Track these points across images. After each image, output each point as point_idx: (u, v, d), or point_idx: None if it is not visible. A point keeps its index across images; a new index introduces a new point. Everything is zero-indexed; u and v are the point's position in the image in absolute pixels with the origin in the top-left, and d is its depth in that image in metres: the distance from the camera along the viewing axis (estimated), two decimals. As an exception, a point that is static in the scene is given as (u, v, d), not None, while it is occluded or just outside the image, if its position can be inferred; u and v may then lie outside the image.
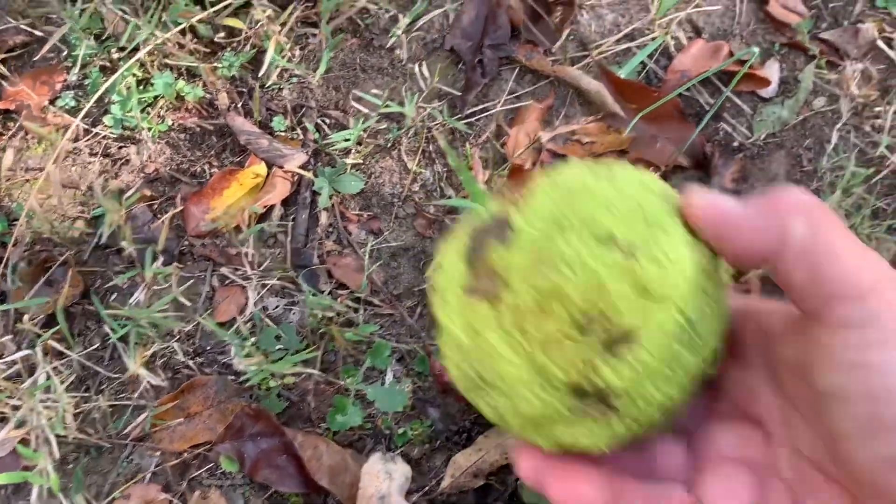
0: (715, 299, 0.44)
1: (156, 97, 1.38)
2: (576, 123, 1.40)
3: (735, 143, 1.41)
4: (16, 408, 1.08)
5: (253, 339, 1.18)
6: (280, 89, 1.41)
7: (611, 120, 1.40)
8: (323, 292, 1.26)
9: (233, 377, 1.21)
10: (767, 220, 0.42)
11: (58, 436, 1.05)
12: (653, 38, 1.45)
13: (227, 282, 1.28)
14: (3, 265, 1.21)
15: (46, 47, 1.34)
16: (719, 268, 0.46)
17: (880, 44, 1.47)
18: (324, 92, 1.42)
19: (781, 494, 0.45)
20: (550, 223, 0.43)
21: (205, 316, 1.21)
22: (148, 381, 1.12)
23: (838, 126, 1.42)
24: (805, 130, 1.43)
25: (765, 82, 1.44)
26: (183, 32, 1.38)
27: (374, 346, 1.23)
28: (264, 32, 1.38)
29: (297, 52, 1.43)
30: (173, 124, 1.38)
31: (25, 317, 1.16)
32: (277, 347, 1.21)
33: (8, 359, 1.12)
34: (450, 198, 1.35)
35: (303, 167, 1.34)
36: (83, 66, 1.41)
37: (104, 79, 1.39)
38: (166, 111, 1.39)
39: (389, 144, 1.38)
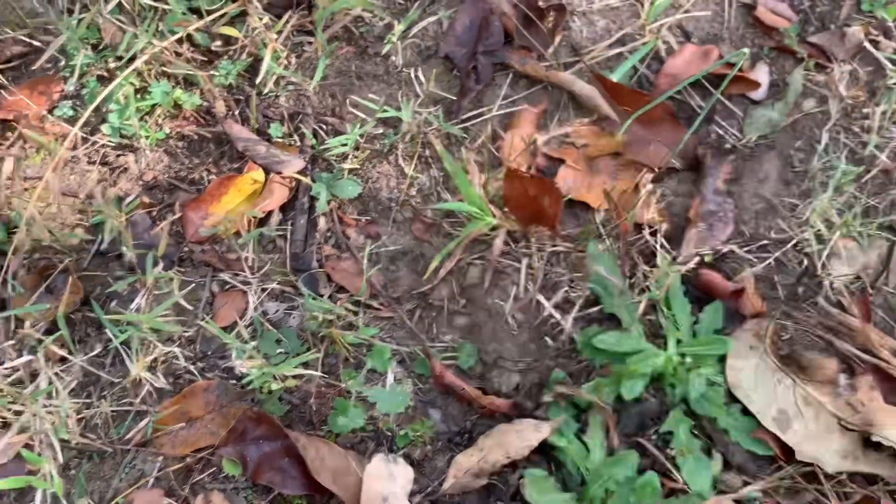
0: None
1: (153, 105, 1.39)
2: (570, 126, 1.42)
3: (727, 145, 1.43)
4: (18, 413, 1.09)
5: (254, 343, 1.19)
6: (277, 96, 1.42)
7: (604, 123, 1.42)
8: (322, 296, 1.27)
9: (234, 381, 1.22)
10: None
11: (61, 440, 1.05)
12: (644, 43, 1.47)
13: (227, 287, 1.28)
14: (3, 273, 1.22)
15: (44, 57, 1.35)
16: None
17: (867, 46, 1.49)
18: (320, 99, 1.43)
19: None
20: None
21: (207, 320, 1.21)
22: (150, 385, 1.12)
23: (828, 127, 1.44)
24: (795, 132, 1.45)
25: (754, 85, 1.46)
26: (180, 41, 1.39)
27: (375, 348, 1.23)
28: (261, 41, 1.40)
29: (294, 60, 1.44)
30: (171, 132, 1.39)
31: (27, 323, 1.16)
32: (278, 351, 1.22)
33: (9, 365, 1.12)
34: (447, 201, 1.36)
35: (300, 173, 1.35)
36: (81, 76, 1.42)
37: (102, 88, 1.40)
38: (164, 119, 1.40)
39: (386, 149, 1.39)
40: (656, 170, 1.38)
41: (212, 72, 1.42)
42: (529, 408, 1.21)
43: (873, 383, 1.21)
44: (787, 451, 1.17)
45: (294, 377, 1.17)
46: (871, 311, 1.28)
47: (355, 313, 1.26)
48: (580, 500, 1.14)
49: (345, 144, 1.36)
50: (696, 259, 1.30)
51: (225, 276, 1.28)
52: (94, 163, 1.38)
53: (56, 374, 1.13)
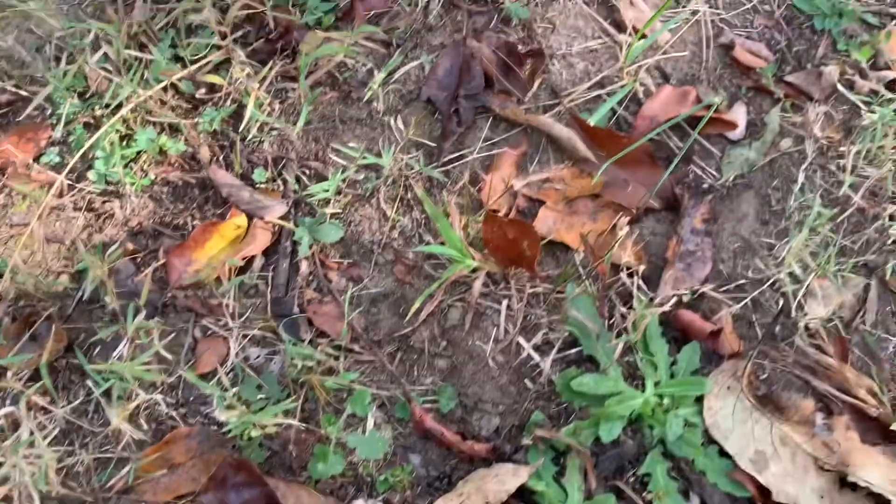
0: None
1: (138, 152, 1.42)
2: (549, 170, 1.44)
3: (705, 185, 1.45)
4: (-2, 464, 1.10)
5: (235, 390, 1.20)
6: (260, 142, 1.44)
7: (583, 165, 1.44)
8: (304, 341, 1.28)
9: (215, 427, 1.23)
10: None
11: (40, 492, 1.06)
12: (622, 86, 1.50)
13: (208, 332, 1.30)
14: (-13, 322, 1.23)
15: (31, 106, 1.38)
16: None
17: (840, 87, 1.52)
18: (303, 144, 1.45)
19: None
20: None
21: (187, 369, 1.23)
22: (131, 435, 1.14)
23: (804, 166, 1.46)
24: (773, 171, 1.47)
25: (731, 125, 1.48)
26: (165, 89, 1.42)
27: (355, 393, 1.25)
28: (244, 88, 1.42)
29: (277, 106, 1.47)
30: (156, 178, 1.42)
31: (9, 373, 1.18)
32: (259, 397, 1.23)
33: (-9, 416, 1.14)
34: (428, 244, 1.38)
35: (283, 218, 1.37)
36: (67, 123, 1.44)
37: (88, 135, 1.42)
38: (149, 165, 1.42)
39: (368, 193, 1.41)
40: (634, 211, 1.40)
41: (196, 119, 1.44)
42: (508, 451, 1.22)
43: (849, 423, 1.22)
44: (765, 493, 1.18)
45: (274, 424, 1.18)
46: (847, 351, 1.30)
47: (336, 358, 1.27)
48: (559, 545, 1.15)
49: (327, 190, 1.38)
50: (674, 300, 1.31)
51: (207, 321, 1.30)
52: (79, 209, 1.40)
53: (38, 423, 1.14)
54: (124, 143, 1.42)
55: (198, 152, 1.42)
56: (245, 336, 1.28)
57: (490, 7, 1.59)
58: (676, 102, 1.48)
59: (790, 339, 1.31)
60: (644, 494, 1.19)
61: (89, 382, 1.23)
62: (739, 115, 1.52)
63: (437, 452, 1.23)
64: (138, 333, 1.21)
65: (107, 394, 1.21)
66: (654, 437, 1.23)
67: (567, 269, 1.35)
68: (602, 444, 1.21)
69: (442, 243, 1.34)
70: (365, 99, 1.48)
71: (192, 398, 1.25)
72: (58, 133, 1.45)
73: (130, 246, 1.35)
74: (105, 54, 1.39)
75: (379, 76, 1.46)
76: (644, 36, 1.49)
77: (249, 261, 1.35)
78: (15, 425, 1.17)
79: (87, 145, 1.36)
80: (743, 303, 1.33)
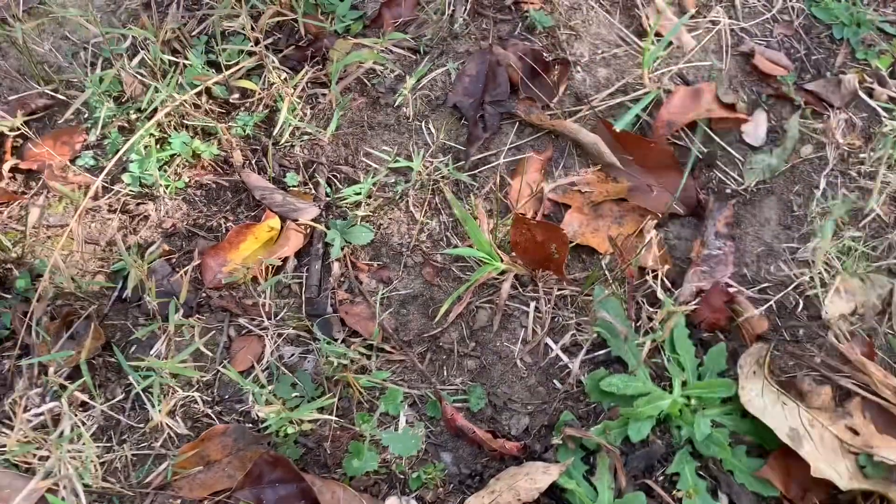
0: None
1: (172, 155, 1.44)
2: (575, 174, 1.46)
3: (728, 190, 1.47)
4: (42, 458, 1.12)
5: (270, 388, 1.22)
6: (292, 146, 1.47)
7: (608, 169, 1.47)
8: (336, 340, 1.30)
9: (250, 425, 1.25)
10: None
11: (84, 485, 1.08)
12: (646, 93, 1.52)
13: (243, 332, 1.32)
14: (28, 320, 1.25)
15: (70, 111, 1.41)
16: None
17: (862, 94, 1.54)
18: (334, 148, 1.48)
19: None
20: None
21: (226, 365, 1.25)
22: (170, 430, 1.16)
23: (826, 172, 1.49)
24: (794, 176, 1.49)
25: (742, 120, 1.51)
26: (199, 94, 1.45)
27: (388, 392, 1.27)
28: (277, 93, 1.45)
29: (308, 112, 1.50)
30: (190, 181, 1.44)
31: (51, 370, 1.20)
32: (293, 395, 1.25)
33: (34, 411, 1.16)
34: (456, 247, 1.40)
35: (315, 220, 1.40)
36: (103, 127, 1.47)
37: (123, 139, 1.45)
38: (183, 168, 1.45)
39: (398, 197, 1.44)
40: (660, 215, 1.42)
41: (230, 123, 1.47)
42: (538, 450, 1.24)
43: (864, 407, 1.24)
44: (792, 490, 1.19)
45: (310, 421, 1.20)
46: (873, 351, 1.31)
47: (368, 357, 1.29)
48: (590, 542, 1.17)
49: (358, 193, 1.41)
50: (698, 298, 1.34)
51: (242, 321, 1.32)
52: (114, 211, 1.42)
53: (77, 420, 1.16)
54: (158, 146, 1.44)
55: (231, 156, 1.45)
56: (280, 335, 1.31)
57: (515, 15, 1.62)
58: (691, 101, 1.50)
59: (814, 341, 1.33)
60: (673, 493, 1.21)
61: (127, 380, 1.25)
62: (760, 121, 1.55)
63: (468, 451, 1.25)
64: (177, 331, 1.24)
65: (146, 391, 1.23)
66: (682, 436, 1.24)
67: (594, 271, 1.37)
68: (631, 444, 1.23)
69: (470, 246, 1.36)
70: (394, 104, 1.51)
71: (227, 396, 1.27)
72: (93, 137, 1.48)
73: (166, 247, 1.37)
74: (142, 59, 1.42)
75: (410, 82, 1.49)
76: (663, 40, 1.51)
77: (283, 262, 1.37)
78: (55, 421, 1.19)
79: (124, 149, 1.38)
80: (767, 305, 1.35)
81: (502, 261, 1.34)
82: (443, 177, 1.45)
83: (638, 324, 1.33)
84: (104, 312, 1.33)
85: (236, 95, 1.49)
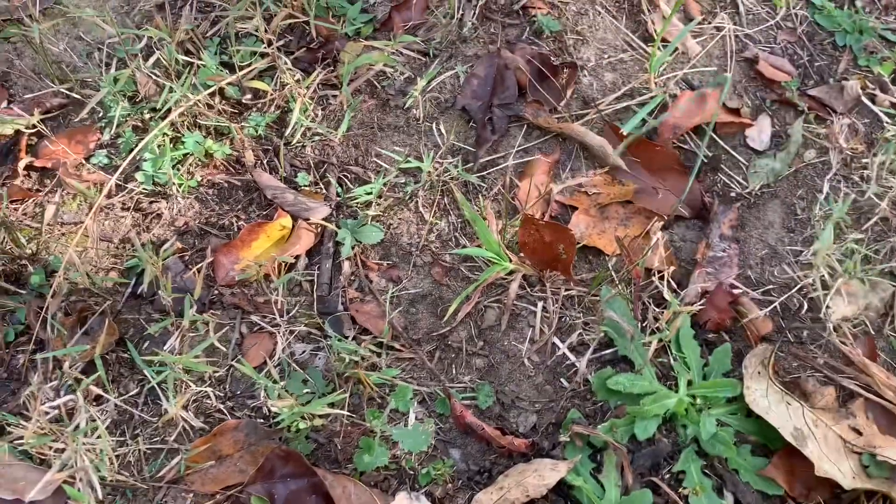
0: None
1: (185, 155, 1.46)
2: (583, 176, 1.48)
3: (733, 194, 1.49)
4: (58, 451, 1.13)
5: (282, 384, 1.24)
6: (304, 147, 1.49)
7: (615, 172, 1.49)
8: (347, 338, 1.32)
9: (262, 420, 1.27)
10: None
11: (99, 477, 1.09)
12: (651, 97, 1.55)
13: (255, 328, 1.34)
14: (43, 314, 1.27)
15: (86, 110, 1.43)
16: None
17: (864, 100, 1.57)
18: (344, 149, 1.50)
19: None
20: None
21: (240, 360, 1.26)
22: (184, 424, 1.17)
23: (829, 176, 1.51)
24: (797, 181, 1.51)
25: (746, 125, 1.54)
26: (212, 94, 1.47)
27: (397, 389, 1.28)
28: (289, 94, 1.47)
29: (319, 113, 1.52)
30: (202, 180, 1.46)
31: (65, 364, 1.21)
32: (305, 391, 1.26)
33: (51, 404, 1.17)
34: (465, 247, 1.42)
35: (326, 219, 1.42)
36: (117, 126, 1.49)
37: (137, 138, 1.47)
38: (195, 168, 1.47)
39: (407, 197, 1.46)
40: (666, 217, 1.44)
41: (242, 123, 1.49)
42: (546, 447, 1.25)
43: (867, 408, 1.26)
44: (796, 489, 1.21)
45: (321, 416, 1.22)
46: (876, 352, 1.33)
47: (378, 354, 1.31)
48: (597, 538, 1.18)
49: (369, 193, 1.43)
50: (704, 299, 1.36)
51: (254, 318, 1.34)
52: (128, 209, 1.44)
53: (91, 414, 1.17)
54: (172, 145, 1.46)
55: (243, 156, 1.47)
56: (291, 332, 1.32)
57: (522, 20, 1.65)
58: (695, 105, 1.53)
59: (817, 342, 1.35)
60: (679, 490, 1.22)
61: (140, 375, 1.27)
62: (764, 126, 1.57)
63: (476, 447, 1.27)
64: (191, 327, 1.25)
65: (160, 386, 1.25)
66: (687, 435, 1.26)
67: (601, 272, 1.39)
68: (637, 442, 1.25)
69: (478, 246, 1.38)
70: (404, 106, 1.53)
71: (239, 392, 1.29)
72: (107, 136, 1.49)
73: (179, 244, 1.39)
74: (157, 60, 1.44)
75: (420, 83, 1.51)
76: (669, 45, 1.54)
77: (294, 260, 1.39)
78: (69, 414, 1.21)
79: (139, 148, 1.40)
80: (771, 306, 1.37)
81: (510, 261, 1.36)
82: (452, 178, 1.47)
83: (644, 324, 1.35)
84: (118, 308, 1.34)
85: (249, 96, 1.51)
